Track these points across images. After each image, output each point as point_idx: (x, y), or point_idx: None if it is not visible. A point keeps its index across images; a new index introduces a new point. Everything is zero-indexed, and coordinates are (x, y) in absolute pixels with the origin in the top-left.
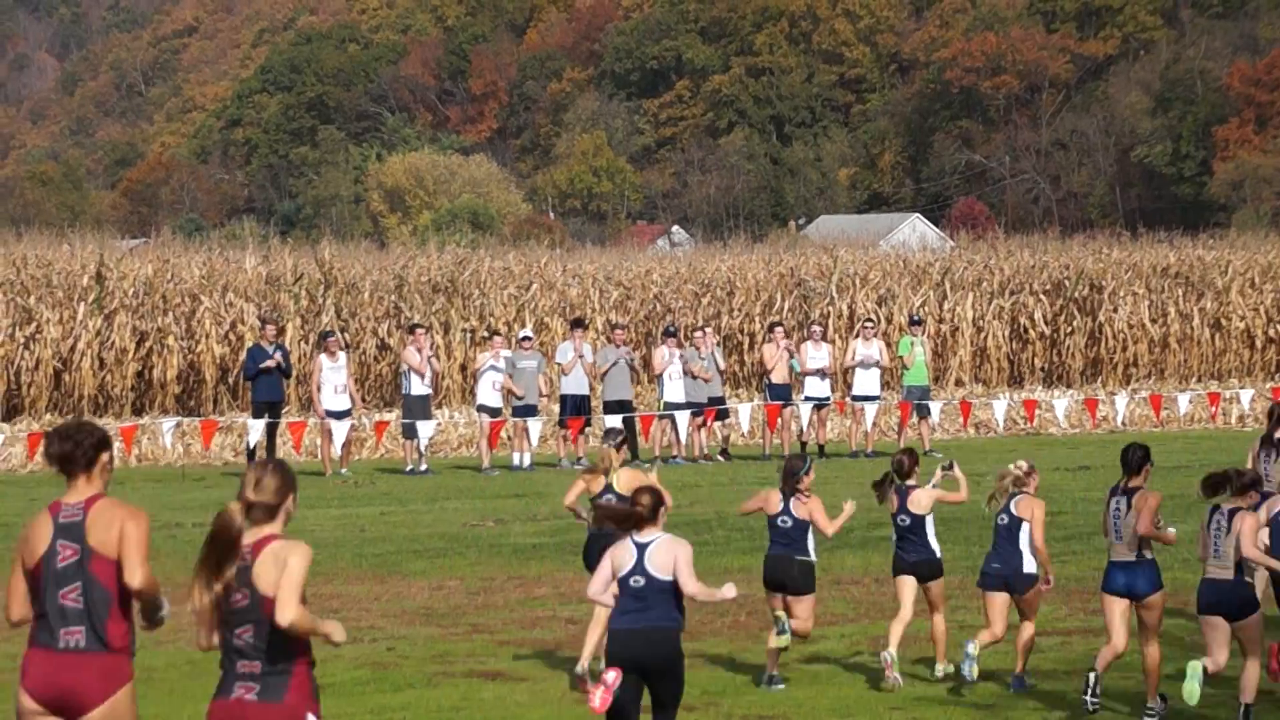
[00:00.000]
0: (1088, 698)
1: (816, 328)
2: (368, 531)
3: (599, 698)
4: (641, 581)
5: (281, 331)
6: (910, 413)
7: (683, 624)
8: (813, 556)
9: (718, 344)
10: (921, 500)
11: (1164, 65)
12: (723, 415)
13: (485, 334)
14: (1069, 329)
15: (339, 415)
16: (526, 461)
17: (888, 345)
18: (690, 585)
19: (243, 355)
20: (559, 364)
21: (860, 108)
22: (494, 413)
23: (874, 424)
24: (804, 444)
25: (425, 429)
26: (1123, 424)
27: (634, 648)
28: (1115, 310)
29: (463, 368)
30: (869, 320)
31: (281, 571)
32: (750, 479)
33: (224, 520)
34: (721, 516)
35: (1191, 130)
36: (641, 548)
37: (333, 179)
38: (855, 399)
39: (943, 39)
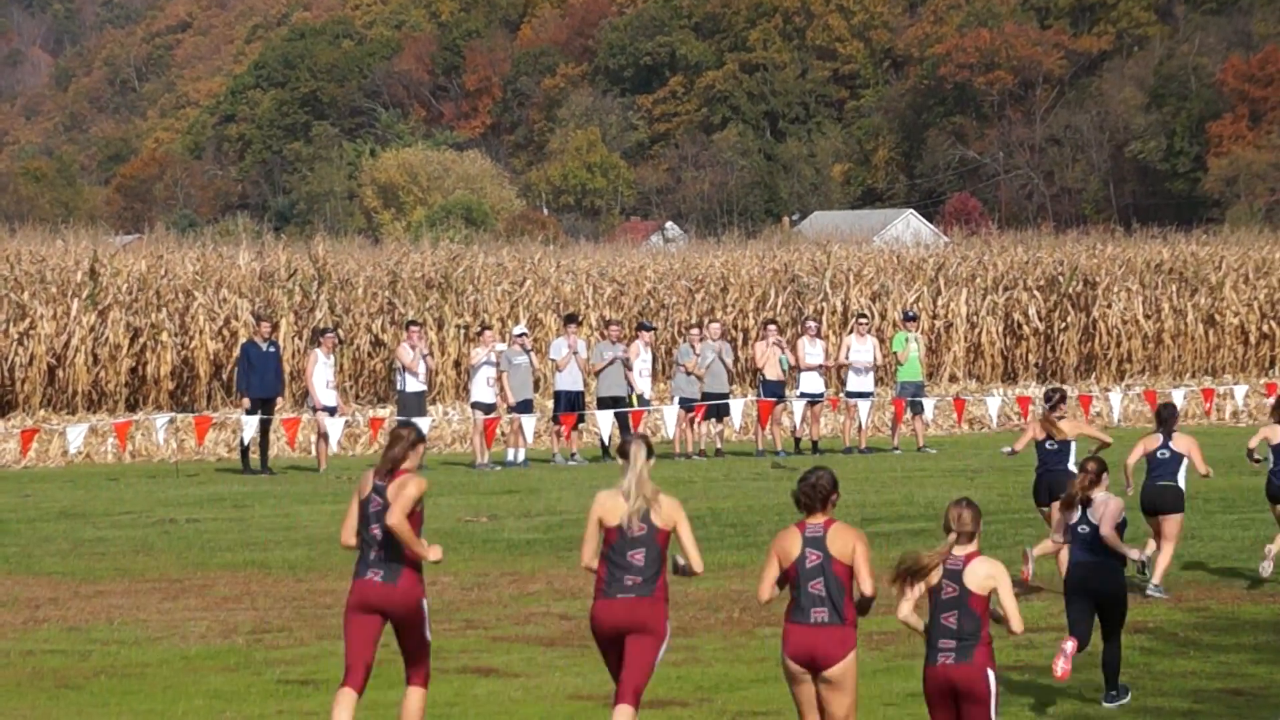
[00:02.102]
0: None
1: (811, 324)
2: None
3: (1060, 668)
4: (1087, 530)
5: (276, 328)
6: (904, 409)
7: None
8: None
9: (725, 339)
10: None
11: (1158, 61)
12: (721, 412)
13: (478, 329)
14: (1063, 325)
15: (330, 411)
16: (521, 457)
17: (881, 341)
18: (1106, 528)
19: (236, 352)
20: (553, 360)
21: (854, 103)
22: (488, 409)
23: (868, 420)
24: (797, 440)
25: (420, 426)
26: (1117, 420)
27: (1090, 582)
28: (1109, 306)
29: (456, 364)
30: (863, 316)
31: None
32: (744, 475)
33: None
34: (715, 512)
35: (1185, 126)
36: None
37: (326, 175)
38: (849, 395)
39: (936, 35)
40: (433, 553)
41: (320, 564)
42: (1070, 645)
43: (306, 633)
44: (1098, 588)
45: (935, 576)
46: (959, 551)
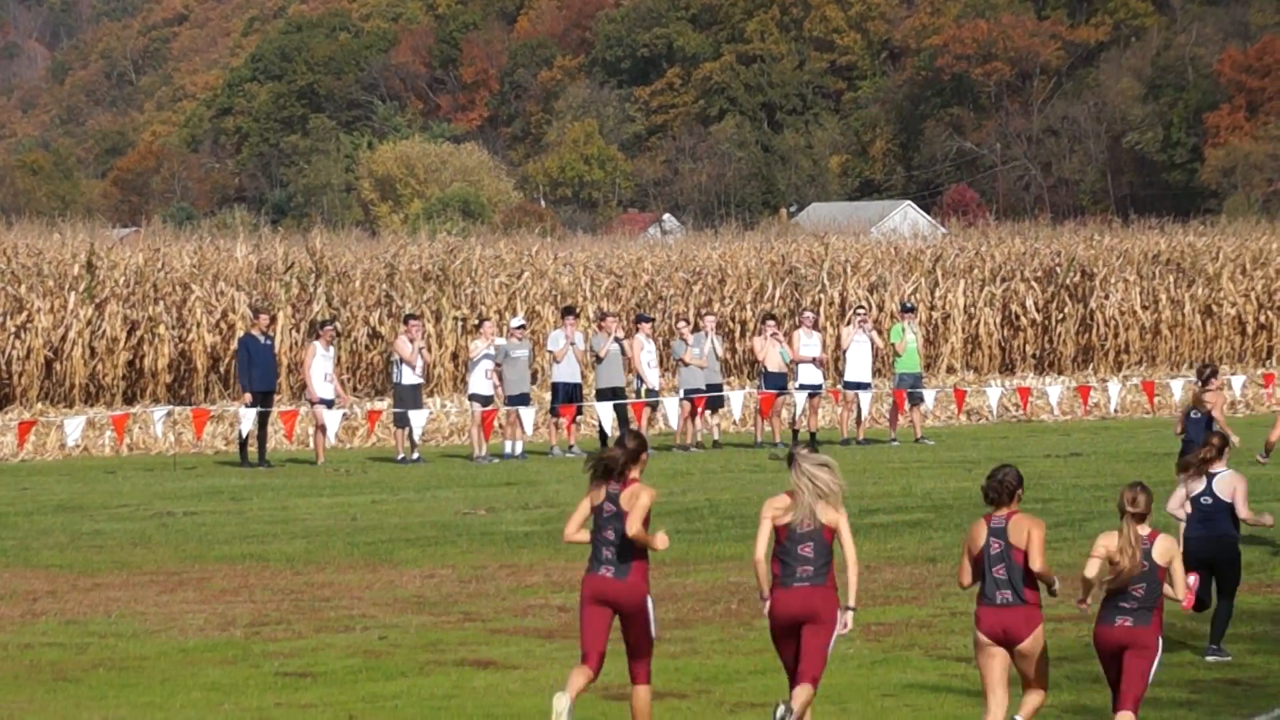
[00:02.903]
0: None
1: (808, 315)
2: (359, 520)
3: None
4: (1210, 501)
5: (273, 321)
6: (903, 400)
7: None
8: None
9: (714, 332)
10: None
11: (1155, 52)
12: (717, 404)
13: (476, 321)
14: (1060, 316)
15: (327, 404)
16: (519, 450)
17: (879, 333)
18: (1242, 509)
19: (234, 344)
20: (550, 352)
21: (851, 95)
22: (486, 401)
23: (867, 412)
24: (795, 431)
25: (417, 418)
26: (1115, 411)
27: (1206, 553)
28: (1107, 297)
29: (454, 356)
30: (861, 308)
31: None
32: (742, 466)
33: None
34: (713, 504)
35: (1182, 117)
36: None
37: (323, 167)
38: (847, 386)
39: (934, 26)
40: (659, 541)
41: (318, 557)
42: (1193, 580)
43: (304, 625)
44: (1214, 557)
45: (1134, 560)
46: (1142, 531)
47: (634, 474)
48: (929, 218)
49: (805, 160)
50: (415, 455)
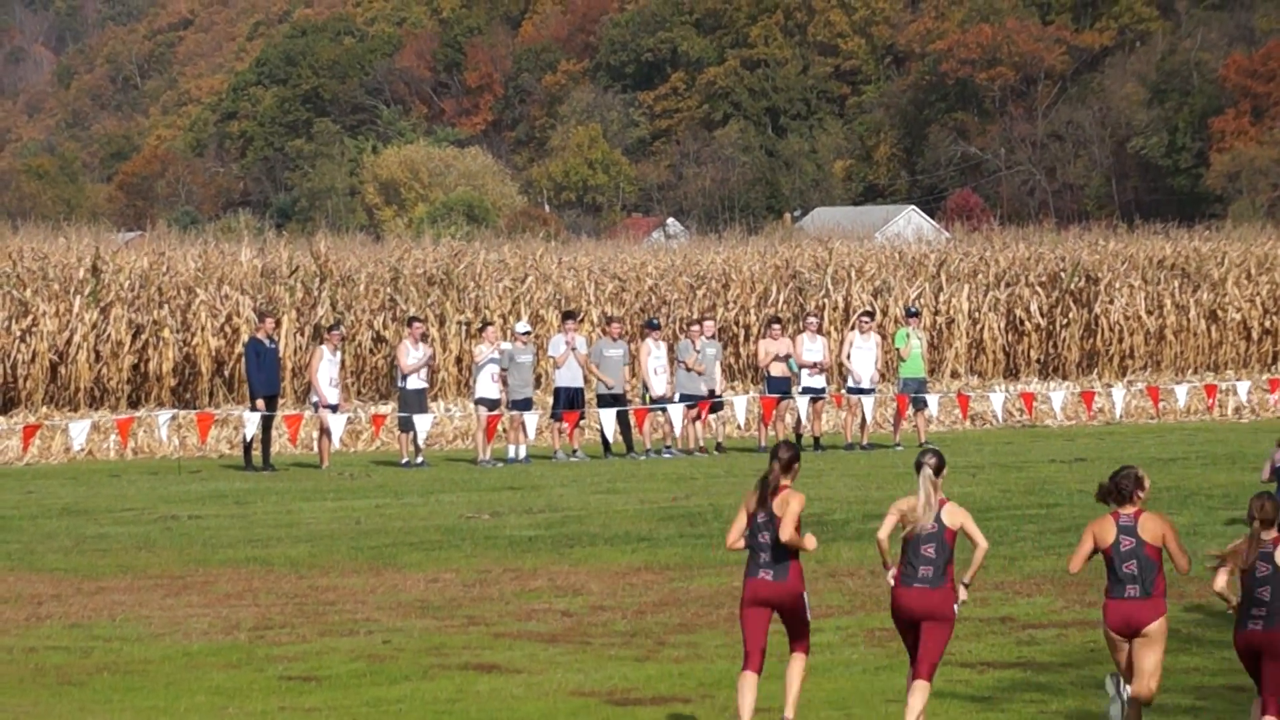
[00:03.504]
0: None
1: (811, 319)
2: (363, 524)
3: None
4: None
5: (278, 325)
6: (907, 405)
7: None
8: None
9: (713, 337)
10: None
11: (1160, 56)
12: (717, 408)
13: (480, 326)
14: (1065, 321)
15: (333, 408)
16: (523, 454)
17: (883, 338)
18: None
19: (239, 348)
20: (552, 357)
21: (856, 99)
22: (492, 405)
23: (870, 417)
24: (799, 436)
25: (422, 423)
26: (1120, 416)
27: None
28: (1111, 302)
29: (458, 360)
30: (865, 313)
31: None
32: (746, 471)
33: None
34: (716, 509)
35: (1188, 122)
36: None
37: (328, 171)
38: (851, 391)
39: (938, 31)
40: (809, 543)
41: (322, 560)
42: None
43: (308, 629)
44: None
45: (1249, 560)
46: (1266, 536)
47: (785, 482)
48: (933, 222)
49: (809, 165)
50: (419, 459)
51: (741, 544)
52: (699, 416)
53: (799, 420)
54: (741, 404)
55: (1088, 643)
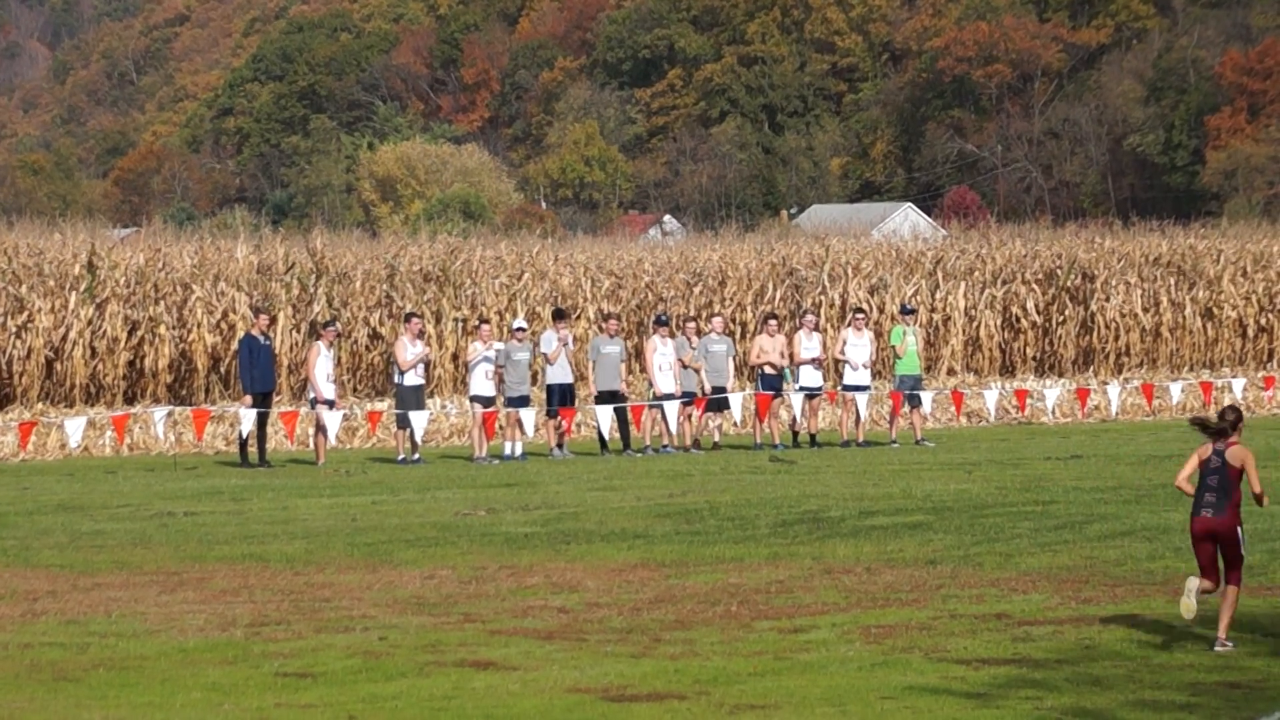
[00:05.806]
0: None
1: (809, 316)
2: (359, 521)
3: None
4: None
5: (273, 321)
6: (902, 402)
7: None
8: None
9: (723, 333)
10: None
11: (1156, 54)
12: (720, 405)
13: (476, 323)
14: (1061, 318)
15: (329, 404)
16: (519, 451)
17: (879, 335)
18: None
19: (234, 345)
20: (544, 354)
21: (852, 97)
22: (487, 403)
23: (866, 414)
24: (795, 433)
25: (419, 419)
26: (1115, 413)
27: None
28: (1107, 299)
29: (454, 357)
30: (860, 310)
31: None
32: (742, 468)
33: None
34: (713, 506)
35: (1184, 119)
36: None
37: (324, 168)
38: (846, 388)
39: (935, 28)
40: (1264, 495)
41: (318, 557)
42: None
43: (304, 626)
44: None
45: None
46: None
47: (1234, 438)
48: (930, 220)
49: (806, 162)
50: (416, 456)
51: (1188, 487)
52: (690, 415)
53: (794, 418)
54: (737, 401)
55: (1083, 639)
